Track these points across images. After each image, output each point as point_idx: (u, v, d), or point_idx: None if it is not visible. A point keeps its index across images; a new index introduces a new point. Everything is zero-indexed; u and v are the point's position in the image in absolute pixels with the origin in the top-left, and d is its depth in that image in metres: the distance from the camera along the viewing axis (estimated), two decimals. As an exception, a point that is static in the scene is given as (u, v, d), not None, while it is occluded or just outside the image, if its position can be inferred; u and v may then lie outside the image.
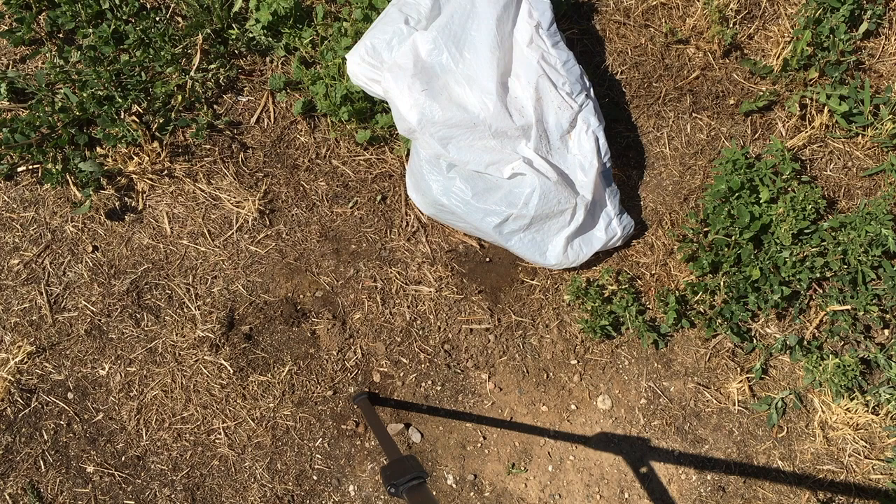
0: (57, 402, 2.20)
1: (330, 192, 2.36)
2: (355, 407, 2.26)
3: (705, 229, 2.32)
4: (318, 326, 2.29)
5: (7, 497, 2.14)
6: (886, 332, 2.34)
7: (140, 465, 2.19)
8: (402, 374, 2.29)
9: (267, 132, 2.36)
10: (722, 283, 2.25)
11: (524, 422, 2.29)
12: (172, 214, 2.30)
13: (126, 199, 2.29)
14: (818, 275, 2.26)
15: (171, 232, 2.29)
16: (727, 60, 2.44)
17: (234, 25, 2.32)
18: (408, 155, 2.35)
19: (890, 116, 2.31)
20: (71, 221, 2.26)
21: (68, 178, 2.25)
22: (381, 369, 2.29)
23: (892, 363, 2.28)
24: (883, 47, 2.42)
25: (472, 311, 2.33)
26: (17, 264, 2.23)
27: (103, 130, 2.22)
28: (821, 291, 2.34)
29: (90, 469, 2.18)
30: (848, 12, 2.30)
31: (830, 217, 2.33)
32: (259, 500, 2.20)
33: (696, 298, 2.29)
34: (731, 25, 2.42)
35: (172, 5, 2.34)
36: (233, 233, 2.31)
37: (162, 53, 2.26)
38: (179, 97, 2.29)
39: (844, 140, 2.41)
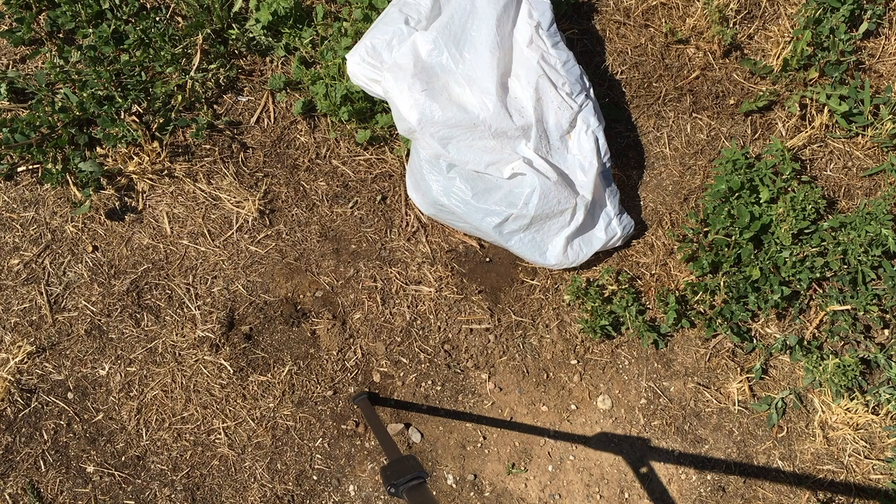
0: (57, 402, 2.20)
1: (330, 192, 2.36)
2: (355, 407, 2.26)
3: (705, 229, 2.32)
4: (318, 326, 2.29)
5: (7, 497, 2.14)
6: (886, 332, 2.34)
7: (140, 465, 2.19)
8: (402, 374, 2.29)
9: (267, 132, 2.36)
10: (722, 283, 2.25)
11: (524, 422, 2.29)
12: (172, 214, 2.30)
13: (126, 199, 2.29)
14: (818, 275, 2.26)
15: (171, 232, 2.29)
16: (727, 60, 2.44)
17: (234, 25, 2.32)
18: (408, 155, 2.35)
19: (890, 116, 2.31)
20: (71, 221, 2.26)
21: (68, 178, 2.25)
22: (381, 369, 2.29)
23: (892, 363, 2.28)
24: (883, 47, 2.42)
25: (472, 311, 2.33)
26: (17, 264, 2.23)
27: (103, 130, 2.22)
28: (821, 291, 2.34)
29: (90, 469, 2.18)
30: (848, 12, 2.30)
31: (830, 217, 2.33)
32: (259, 500, 2.20)
33: (696, 298, 2.29)
34: (731, 25, 2.42)
35: (172, 5, 2.34)
36: (233, 233, 2.31)
37: (162, 53, 2.26)
38: (179, 97, 2.29)
39: (844, 140, 2.41)
